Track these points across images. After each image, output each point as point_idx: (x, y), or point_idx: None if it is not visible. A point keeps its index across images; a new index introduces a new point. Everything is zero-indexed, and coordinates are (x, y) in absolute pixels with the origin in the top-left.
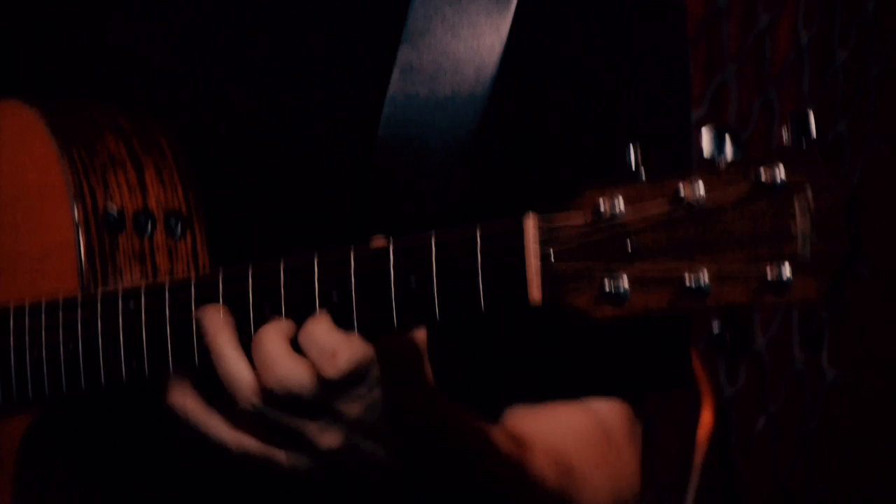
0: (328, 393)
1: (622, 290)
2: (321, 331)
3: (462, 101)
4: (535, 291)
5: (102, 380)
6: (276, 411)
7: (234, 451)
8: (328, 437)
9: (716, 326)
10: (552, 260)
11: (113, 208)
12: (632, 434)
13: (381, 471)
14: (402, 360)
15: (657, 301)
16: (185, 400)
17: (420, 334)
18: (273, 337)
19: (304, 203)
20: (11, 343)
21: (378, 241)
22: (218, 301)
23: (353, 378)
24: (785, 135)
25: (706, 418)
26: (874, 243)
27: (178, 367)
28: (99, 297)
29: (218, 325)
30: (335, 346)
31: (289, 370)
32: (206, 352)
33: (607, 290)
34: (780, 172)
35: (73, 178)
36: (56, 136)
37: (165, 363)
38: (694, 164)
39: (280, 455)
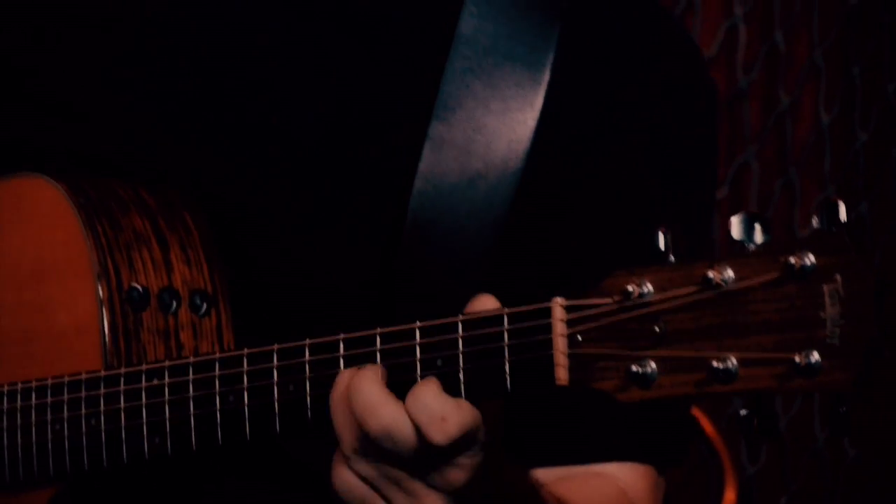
0: (432, 456)
1: (650, 373)
2: (431, 395)
3: (495, 176)
4: (563, 373)
5: (125, 456)
6: (378, 460)
7: (337, 488)
8: (429, 499)
9: (742, 410)
10: (580, 342)
11: (137, 287)
12: (655, 502)
13: None
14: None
15: (684, 385)
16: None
17: None
18: (369, 381)
19: (331, 280)
20: (33, 418)
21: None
22: (242, 377)
23: (461, 444)
24: (814, 221)
25: (729, 497)
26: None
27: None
28: (122, 374)
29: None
30: (444, 410)
31: (391, 417)
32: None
33: (635, 372)
34: (810, 258)
35: (98, 255)
36: (81, 212)
37: (188, 440)
38: (717, 248)
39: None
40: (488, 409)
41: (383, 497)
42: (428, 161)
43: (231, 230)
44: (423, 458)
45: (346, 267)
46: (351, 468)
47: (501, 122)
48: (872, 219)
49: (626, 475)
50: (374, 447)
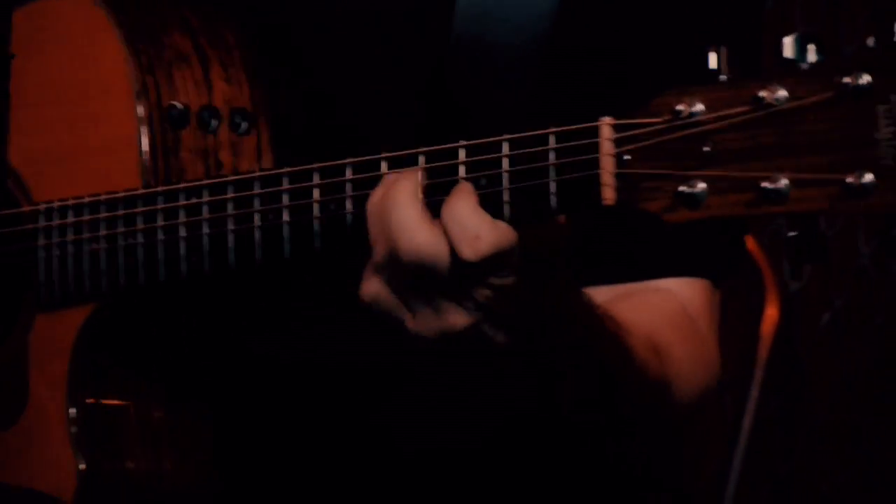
0: (462, 274)
1: (698, 194)
2: (468, 210)
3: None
4: (609, 193)
5: (161, 273)
6: (406, 277)
7: (365, 298)
8: (454, 317)
9: (790, 231)
10: (628, 161)
11: (177, 105)
12: (712, 316)
13: (498, 353)
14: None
15: (734, 205)
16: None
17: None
18: (410, 202)
19: (375, 99)
20: (70, 237)
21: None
22: (282, 196)
23: (493, 264)
24: (869, 40)
25: (770, 313)
26: None
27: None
28: (161, 191)
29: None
30: (479, 228)
31: (425, 242)
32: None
33: (683, 192)
34: (864, 78)
35: (138, 72)
36: (121, 30)
37: (226, 259)
38: (763, 68)
39: (406, 316)
40: (539, 237)
41: (410, 310)
42: None
43: (273, 49)
44: (454, 274)
45: (390, 86)
46: (380, 278)
47: None
48: None
49: (683, 290)
50: (403, 263)
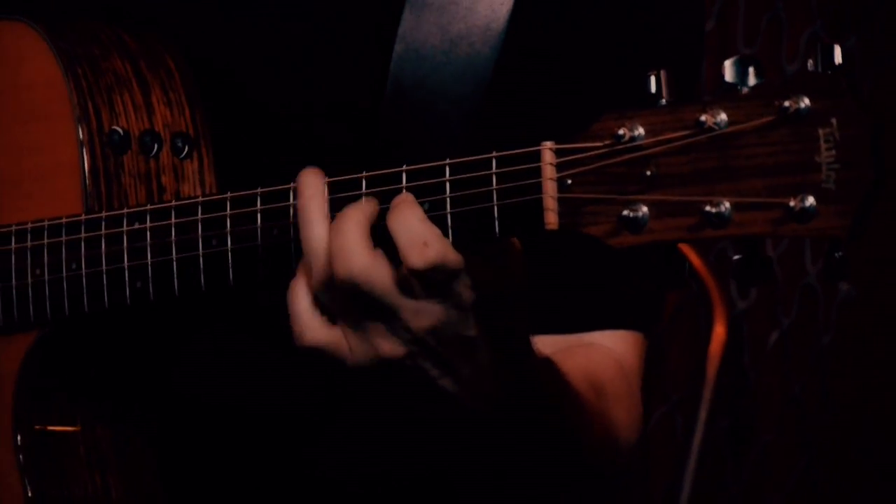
0: (403, 288)
1: (641, 218)
2: (416, 217)
3: (477, 37)
4: (553, 217)
5: (106, 301)
6: (344, 300)
7: (296, 329)
8: (388, 345)
9: (735, 255)
10: (570, 185)
11: (118, 129)
12: (641, 371)
13: (437, 389)
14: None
15: (676, 229)
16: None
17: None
18: (353, 223)
19: (313, 133)
20: (13, 264)
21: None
22: (226, 221)
23: (437, 276)
24: (809, 63)
25: (718, 332)
26: (886, 159)
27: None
28: (103, 217)
29: (314, 189)
30: (427, 235)
31: (363, 265)
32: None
33: (626, 216)
34: (805, 101)
35: (78, 98)
36: (61, 56)
37: (171, 285)
38: (703, 91)
39: (343, 346)
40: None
41: (345, 335)
42: (408, 24)
43: (211, 77)
44: (392, 291)
45: (328, 127)
46: (315, 299)
47: None
48: (861, 53)
49: (617, 345)
50: (337, 285)
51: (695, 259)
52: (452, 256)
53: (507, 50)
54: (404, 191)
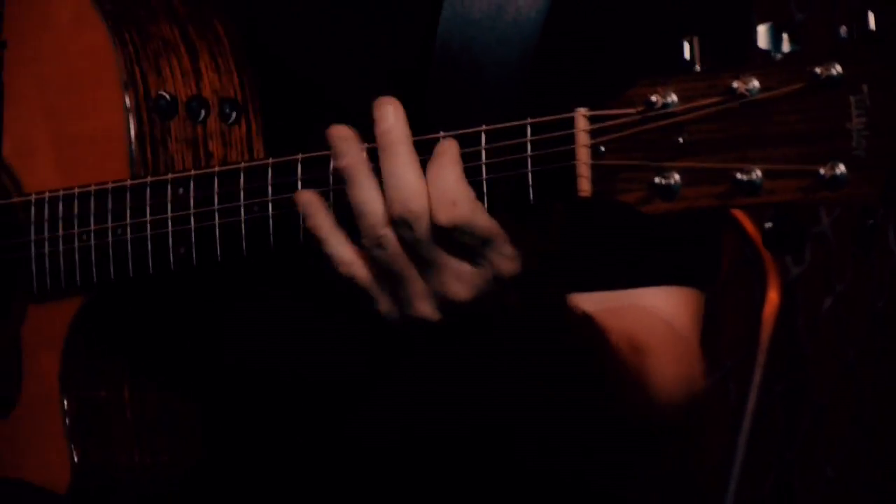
0: (431, 238)
1: (673, 185)
2: (453, 175)
3: (522, 8)
4: (585, 184)
5: (150, 266)
6: (394, 245)
7: (343, 274)
8: (422, 306)
9: (767, 223)
10: (603, 152)
11: (165, 95)
12: (697, 326)
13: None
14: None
15: (708, 196)
16: (318, 212)
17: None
18: (408, 160)
19: (362, 97)
20: (60, 229)
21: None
22: (267, 188)
23: (462, 236)
24: (842, 30)
25: (772, 298)
26: None
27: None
28: (148, 183)
29: (356, 156)
30: (458, 195)
31: (414, 193)
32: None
33: (658, 183)
34: (836, 68)
35: (125, 63)
36: (108, 20)
37: (213, 250)
38: (755, 56)
39: (380, 297)
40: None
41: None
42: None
43: (262, 48)
44: (427, 242)
45: (376, 93)
46: (357, 250)
47: None
48: None
49: (668, 304)
50: (392, 212)
51: (748, 224)
52: (482, 222)
53: (554, 13)
54: (449, 140)
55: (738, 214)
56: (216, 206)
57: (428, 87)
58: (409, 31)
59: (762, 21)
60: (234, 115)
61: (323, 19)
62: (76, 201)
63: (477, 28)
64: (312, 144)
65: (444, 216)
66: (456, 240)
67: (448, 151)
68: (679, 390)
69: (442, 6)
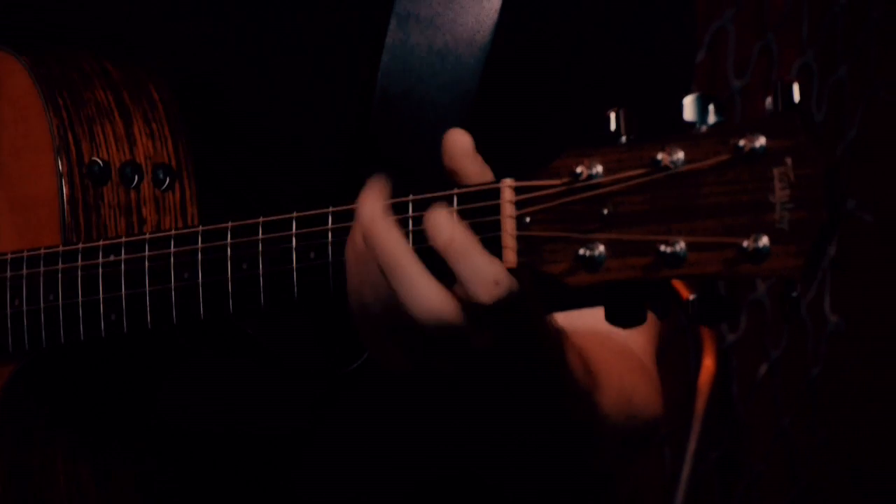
0: (473, 319)
1: (598, 257)
2: (483, 259)
3: (463, 50)
4: (511, 256)
5: (81, 333)
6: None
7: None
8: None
9: (690, 295)
10: (528, 224)
11: (98, 161)
12: (653, 351)
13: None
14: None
15: (633, 268)
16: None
17: None
18: (405, 254)
19: (298, 155)
20: None
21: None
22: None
23: (505, 307)
24: (768, 102)
25: (707, 365)
26: (876, 189)
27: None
28: (80, 249)
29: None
30: (496, 273)
31: (439, 303)
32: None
33: (582, 255)
34: (761, 140)
35: (58, 128)
36: (41, 85)
37: (143, 318)
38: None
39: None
40: None
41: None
42: (394, 36)
43: (196, 104)
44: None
45: (314, 140)
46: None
47: None
48: (851, 82)
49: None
50: (416, 325)
51: (683, 291)
52: (517, 286)
53: (492, 62)
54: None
55: (674, 282)
56: (147, 272)
57: (368, 135)
58: (350, 78)
59: (698, 89)
60: (167, 180)
61: (261, 69)
62: (8, 266)
63: (417, 75)
64: (253, 201)
65: (487, 296)
66: (502, 307)
67: (460, 240)
68: (632, 415)
69: (381, 52)
